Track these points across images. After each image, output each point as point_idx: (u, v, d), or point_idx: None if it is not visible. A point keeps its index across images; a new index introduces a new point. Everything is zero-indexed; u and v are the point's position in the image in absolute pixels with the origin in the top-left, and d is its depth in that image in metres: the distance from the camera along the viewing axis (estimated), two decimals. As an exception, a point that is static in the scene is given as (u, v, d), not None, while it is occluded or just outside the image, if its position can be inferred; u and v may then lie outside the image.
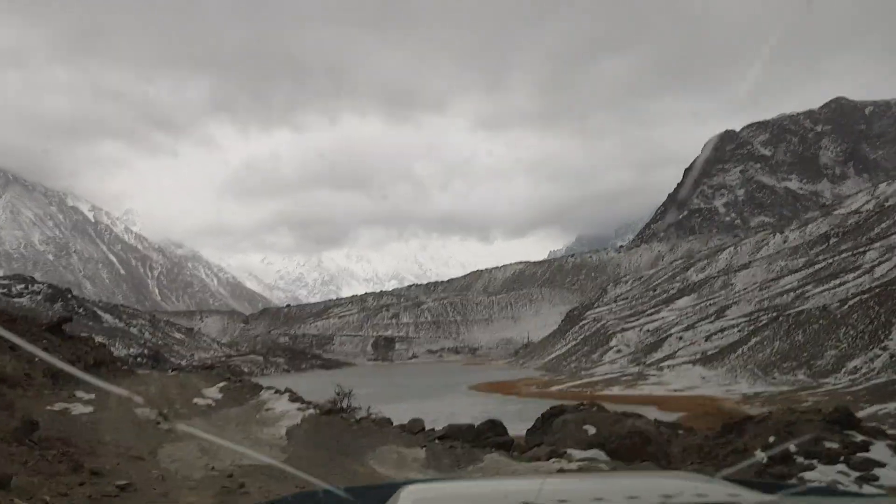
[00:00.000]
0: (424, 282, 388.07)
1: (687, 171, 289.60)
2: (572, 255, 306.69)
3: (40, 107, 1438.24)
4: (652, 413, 57.12)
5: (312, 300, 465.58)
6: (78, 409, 13.42)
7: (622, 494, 1.41)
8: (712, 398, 67.30)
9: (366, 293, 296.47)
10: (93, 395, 15.51)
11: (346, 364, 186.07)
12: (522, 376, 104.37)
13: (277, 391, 17.98)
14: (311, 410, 15.06)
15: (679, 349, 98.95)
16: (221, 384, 20.08)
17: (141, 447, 10.62)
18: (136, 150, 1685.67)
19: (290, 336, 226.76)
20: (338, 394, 20.54)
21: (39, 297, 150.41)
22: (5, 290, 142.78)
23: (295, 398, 16.72)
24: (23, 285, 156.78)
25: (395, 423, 16.28)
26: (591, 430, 11.84)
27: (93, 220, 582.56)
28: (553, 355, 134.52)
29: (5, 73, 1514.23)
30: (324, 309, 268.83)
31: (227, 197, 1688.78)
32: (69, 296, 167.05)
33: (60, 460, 8.31)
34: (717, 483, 1.52)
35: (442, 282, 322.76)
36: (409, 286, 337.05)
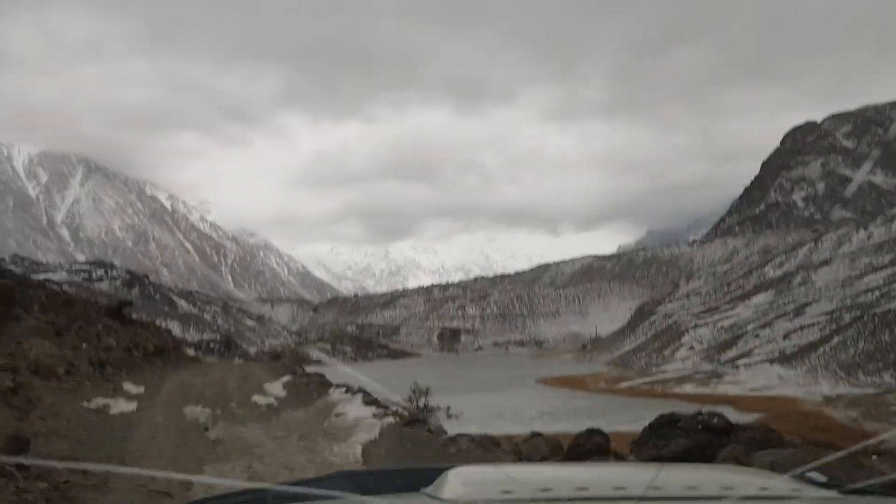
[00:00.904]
0: (491, 274, 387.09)
1: (764, 164, 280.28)
2: (643, 249, 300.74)
3: (120, 99, 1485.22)
4: (728, 413, 54.91)
5: (379, 290, 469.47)
6: (119, 406, 11.35)
7: (681, 485, 1.33)
8: (792, 399, 64.59)
9: (432, 284, 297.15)
10: (142, 389, 13.81)
11: (412, 354, 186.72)
12: (591, 371, 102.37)
13: (349, 389, 15.48)
14: (390, 419, 12.08)
15: (755, 347, 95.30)
16: (286, 378, 18.17)
17: (174, 470, 8.20)
18: (212, 142, 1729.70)
19: (358, 325, 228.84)
20: (413, 391, 18.75)
21: (118, 283, 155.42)
22: (86, 276, 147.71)
23: (370, 400, 13.98)
24: (102, 271, 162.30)
25: (484, 435, 12.25)
26: (819, 478, 7.17)
27: (170, 209, 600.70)
28: (622, 351, 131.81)
29: (87, 67, 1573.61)
30: (391, 299, 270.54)
31: (298, 187, 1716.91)
32: (146, 282, 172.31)
33: (49, 498, 5.95)
34: (778, 477, 1.47)
35: (509, 274, 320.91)
36: (476, 278, 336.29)
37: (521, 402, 61.84)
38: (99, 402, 11.29)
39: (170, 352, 24.11)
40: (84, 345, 15.94)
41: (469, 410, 56.96)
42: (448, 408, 20.39)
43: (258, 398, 13.80)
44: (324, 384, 16.91)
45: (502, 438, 12.07)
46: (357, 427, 11.32)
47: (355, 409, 12.52)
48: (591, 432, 8.56)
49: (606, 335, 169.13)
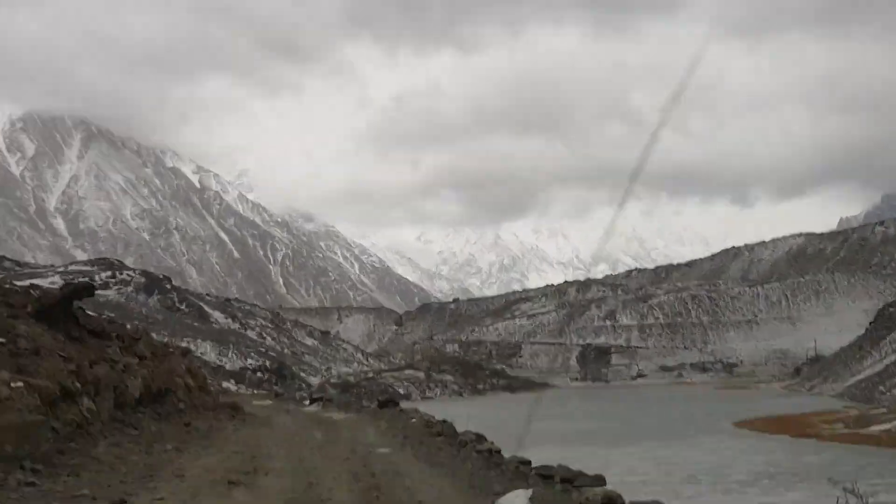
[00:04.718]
0: (650, 265, 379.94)
1: None
2: (881, 223, 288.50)
3: (129, 35, 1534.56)
4: None
5: (488, 292, 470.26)
6: None
7: None
8: None
9: (565, 282, 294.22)
10: None
11: (540, 384, 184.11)
12: (816, 408, 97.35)
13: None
14: None
15: None
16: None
17: None
18: (251, 87, 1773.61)
19: (460, 343, 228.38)
20: (850, 491, 11.98)
21: (130, 289, 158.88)
22: (87, 279, 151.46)
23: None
24: (109, 273, 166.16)
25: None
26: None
27: (198, 186, 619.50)
28: (860, 376, 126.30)
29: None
30: (505, 305, 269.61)
31: (369, 148, 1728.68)
32: (168, 286, 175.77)
33: None
34: None
35: (678, 265, 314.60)
36: (629, 272, 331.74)
37: (719, 456, 58.59)
38: None
39: (177, 398, 16.26)
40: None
41: (642, 468, 53.85)
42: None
43: None
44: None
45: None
46: None
47: None
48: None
49: (832, 353, 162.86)
